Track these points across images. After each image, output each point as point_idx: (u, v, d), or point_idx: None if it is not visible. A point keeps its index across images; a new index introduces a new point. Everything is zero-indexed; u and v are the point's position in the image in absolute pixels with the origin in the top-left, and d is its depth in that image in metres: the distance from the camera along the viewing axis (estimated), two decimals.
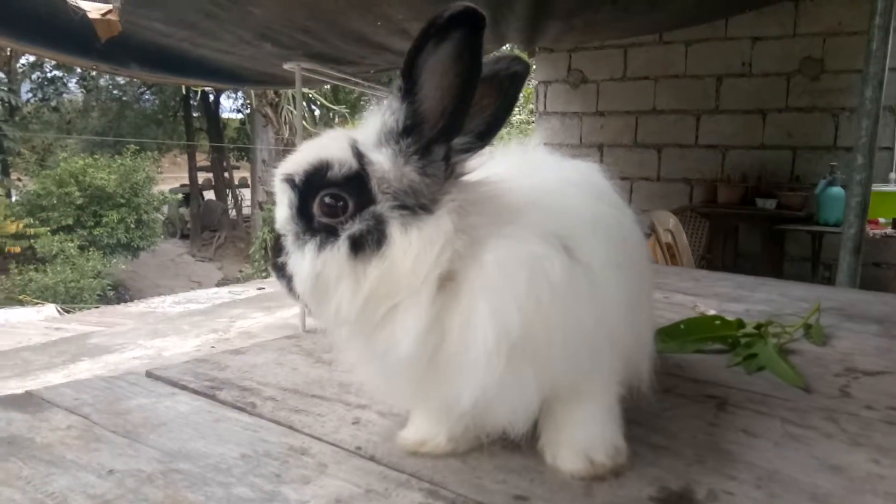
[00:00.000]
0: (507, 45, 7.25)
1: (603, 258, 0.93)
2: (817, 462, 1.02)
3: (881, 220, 5.97)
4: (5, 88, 21.09)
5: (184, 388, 1.29)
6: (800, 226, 6.55)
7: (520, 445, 1.00)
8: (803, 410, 1.21)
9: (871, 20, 3.76)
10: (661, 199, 7.51)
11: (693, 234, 7.03)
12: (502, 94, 0.94)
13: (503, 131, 0.97)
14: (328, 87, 15.60)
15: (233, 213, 25.88)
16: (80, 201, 17.65)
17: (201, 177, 25.93)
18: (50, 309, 11.10)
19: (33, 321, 9.45)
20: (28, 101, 24.60)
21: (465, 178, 0.92)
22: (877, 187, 5.06)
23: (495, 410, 0.92)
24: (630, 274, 1.00)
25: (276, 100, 15.57)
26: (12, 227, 16.30)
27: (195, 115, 26.84)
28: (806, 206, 6.62)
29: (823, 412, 1.21)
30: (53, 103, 24.98)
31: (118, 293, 17.74)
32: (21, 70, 23.21)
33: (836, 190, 6.25)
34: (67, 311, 11.63)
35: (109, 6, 4.08)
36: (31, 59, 21.52)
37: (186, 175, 25.75)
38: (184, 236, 24.77)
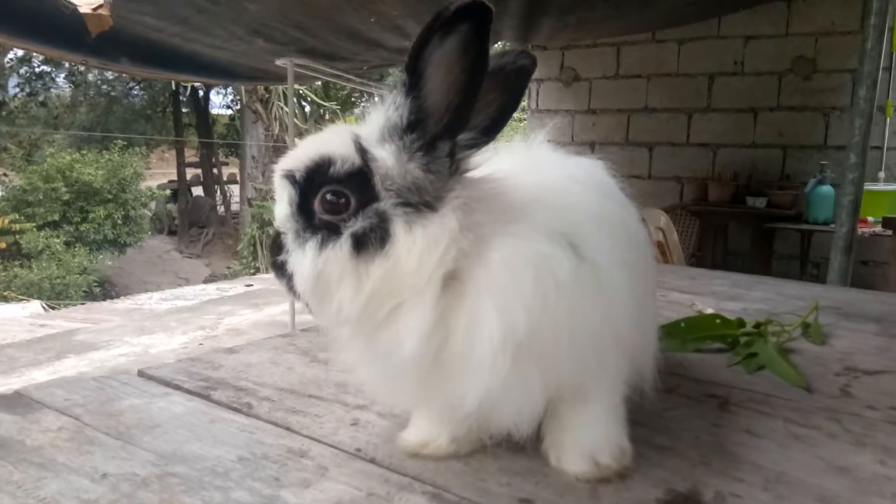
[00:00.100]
0: (500, 43, 7.24)
1: (609, 256, 0.91)
2: (823, 463, 1.01)
3: (870, 218, 6.00)
4: None
5: (177, 388, 1.26)
6: (789, 224, 6.57)
7: (523, 447, 0.98)
8: (806, 411, 1.20)
9: (866, 20, 3.77)
10: (652, 198, 7.52)
11: (683, 233, 7.04)
12: (508, 89, 0.92)
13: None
14: (319, 83, 15.52)
15: (221, 209, 25.70)
16: (66, 197, 17.47)
17: (190, 173, 25.71)
18: (35, 305, 10.99)
19: (18, 317, 9.35)
20: (15, 95, 24.32)
21: (470, 174, 0.90)
22: (866, 186, 5.07)
23: (500, 411, 0.90)
24: (636, 272, 0.99)
25: (267, 96, 15.49)
26: None
27: (184, 110, 26.61)
28: (796, 204, 6.65)
29: (826, 412, 1.20)
30: (41, 98, 24.71)
31: (104, 289, 17.59)
32: (9, 65, 22.95)
33: (826, 189, 6.29)
34: (53, 308, 11.51)
35: (100, 1, 4.03)
36: (20, 53, 21.31)
37: (174, 171, 25.52)
38: (171, 232, 24.57)
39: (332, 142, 0.89)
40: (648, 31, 7.47)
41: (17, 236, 16.45)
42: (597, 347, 0.90)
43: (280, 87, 14.16)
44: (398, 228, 0.84)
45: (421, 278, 0.84)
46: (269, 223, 15.54)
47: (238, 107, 22.16)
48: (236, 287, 11.02)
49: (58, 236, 16.81)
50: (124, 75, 20.30)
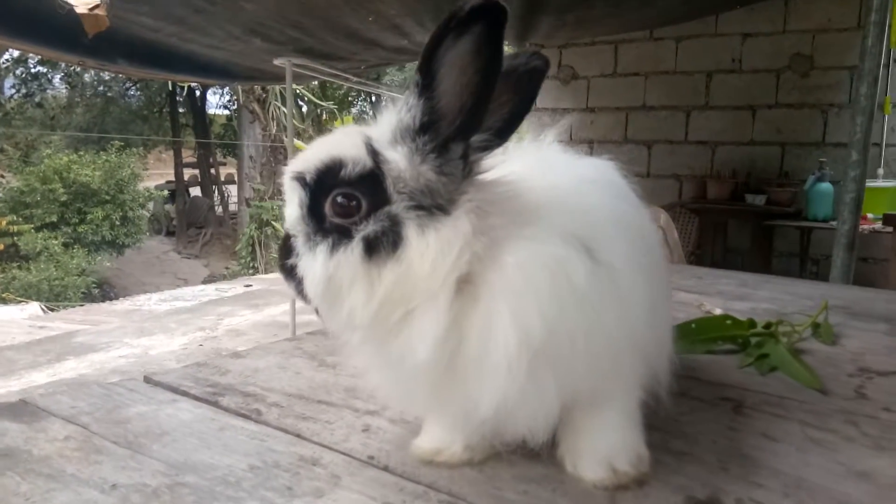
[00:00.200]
0: None
1: (625, 259, 0.89)
2: (843, 468, 0.99)
3: (869, 215, 6.00)
4: None
5: (184, 394, 1.24)
6: (788, 221, 6.57)
7: (538, 454, 0.96)
8: (821, 413, 1.19)
9: (866, 17, 3.75)
10: (651, 196, 7.47)
11: (682, 231, 7.04)
12: (520, 91, 0.91)
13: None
14: (316, 83, 15.49)
15: (219, 209, 25.67)
16: (64, 198, 17.42)
17: (187, 173, 25.67)
18: (34, 307, 10.96)
19: (17, 319, 9.32)
20: (11, 96, 24.25)
21: (482, 177, 0.88)
22: (866, 183, 5.08)
23: (515, 418, 0.89)
24: (651, 274, 0.97)
25: (264, 96, 15.44)
26: None
27: (181, 111, 26.58)
28: (795, 201, 6.65)
29: (842, 415, 1.18)
30: (37, 99, 24.64)
31: (103, 291, 17.55)
32: (5, 65, 22.89)
33: (825, 186, 6.29)
34: (52, 310, 11.48)
35: (97, 1, 4.00)
36: (16, 54, 21.21)
37: (172, 171, 25.50)
38: (169, 233, 24.54)
39: (342, 144, 0.87)
40: (646, 29, 7.45)
41: (15, 238, 16.41)
42: (613, 352, 0.89)
43: (277, 87, 14.12)
44: (411, 232, 0.83)
45: (434, 283, 0.82)
46: (268, 223, 15.53)
47: (235, 107, 22.12)
48: (235, 287, 11.01)
49: (56, 237, 16.77)
50: (121, 76, 20.24)
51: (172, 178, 25.37)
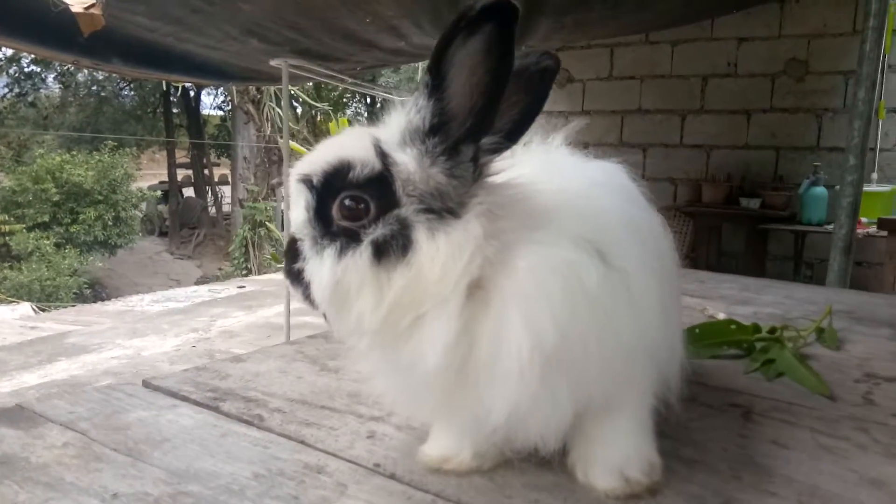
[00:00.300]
0: None
1: (637, 263, 0.88)
2: (856, 476, 0.98)
3: (863, 219, 6.02)
4: None
5: (185, 399, 1.22)
6: (783, 225, 6.59)
7: (548, 461, 0.94)
8: (831, 420, 1.18)
9: (865, 22, 3.76)
10: None
11: (677, 234, 7.04)
12: (531, 92, 0.89)
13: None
14: (310, 84, 15.45)
15: (212, 210, 25.59)
16: (56, 198, 17.32)
17: (181, 174, 25.58)
18: (25, 307, 10.87)
19: (8, 320, 9.25)
20: (4, 96, 24.12)
21: (491, 179, 0.87)
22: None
23: (527, 425, 0.87)
24: (663, 279, 0.96)
25: (258, 96, 15.40)
26: None
27: (175, 111, 26.48)
28: (789, 205, 6.67)
29: (852, 421, 1.17)
30: (30, 99, 24.51)
31: (95, 291, 17.45)
32: None
33: (820, 190, 6.31)
34: (43, 310, 11.40)
35: (93, 0, 3.97)
36: (9, 53, 21.08)
37: (165, 172, 25.39)
38: (162, 234, 24.43)
39: (351, 145, 0.86)
40: (643, 33, 7.46)
41: (7, 238, 16.30)
42: (626, 357, 0.87)
43: (272, 88, 14.08)
44: (420, 236, 0.81)
45: (445, 287, 0.81)
46: (261, 224, 15.48)
47: (229, 107, 22.05)
48: (228, 289, 10.95)
49: (48, 238, 16.67)
50: (114, 75, 20.15)
51: (166, 178, 25.27)
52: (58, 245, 16.89)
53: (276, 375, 1.35)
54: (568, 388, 0.84)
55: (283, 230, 13.03)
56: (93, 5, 3.93)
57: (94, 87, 24.63)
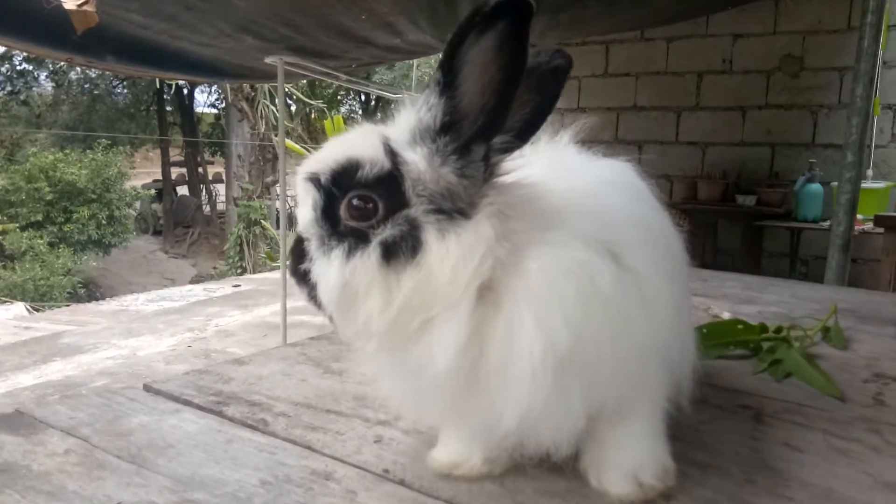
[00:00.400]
0: None
1: (650, 264, 0.87)
2: (871, 479, 0.97)
3: (859, 216, 6.02)
4: None
5: (187, 403, 1.20)
6: (778, 222, 6.59)
7: (559, 466, 0.93)
8: (842, 422, 1.16)
9: (862, 18, 3.75)
10: None
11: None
12: (543, 90, 0.87)
13: None
14: (304, 81, 15.40)
15: (207, 209, 25.50)
16: (49, 197, 17.22)
17: (174, 172, 25.48)
18: (19, 307, 10.80)
19: (1, 320, 9.18)
20: None
21: (501, 179, 0.85)
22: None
23: (539, 430, 0.85)
24: (675, 279, 0.94)
25: (252, 94, 15.32)
26: None
27: (168, 109, 26.38)
28: (785, 202, 6.67)
29: (864, 423, 1.16)
30: (23, 97, 24.36)
31: (89, 291, 17.37)
32: None
33: (815, 186, 6.31)
34: (37, 310, 11.33)
35: None
36: (1, 50, 20.95)
37: (159, 170, 25.29)
38: (156, 232, 24.34)
39: (359, 144, 0.84)
40: (638, 30, 7.45)
41: (0, 237, 16.20)
42: (640, 360, 0.86)
43: (266, 86, 14.02)
44: (430, 237, 0.79)
45: (455, 290, 0.79)
46: (256, 223, 15.42)
47: (223, 105, 21.96)
48: (224, 288, 10.89)
49: (41, 237, 16.57)
50: (107, 73, 20.05)
51: (160, 176, 25.18)
52: (51, 244, 16.79)
53: (280, 378, 1.33)
54: (581, 392, 0.83)
55: (278, 228, 12.98)
56: (86, 2, 3.89)
57: (87, 85, 24.50)
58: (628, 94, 7.88)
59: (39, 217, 17.15)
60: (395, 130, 0.84)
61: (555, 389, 0.80)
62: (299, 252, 0.86)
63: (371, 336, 0.85)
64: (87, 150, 19.30)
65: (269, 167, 16.10)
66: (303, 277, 0.85)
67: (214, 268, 19.48)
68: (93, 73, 22.65)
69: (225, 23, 4.96)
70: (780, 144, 7.14)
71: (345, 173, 0.82)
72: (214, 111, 27.37)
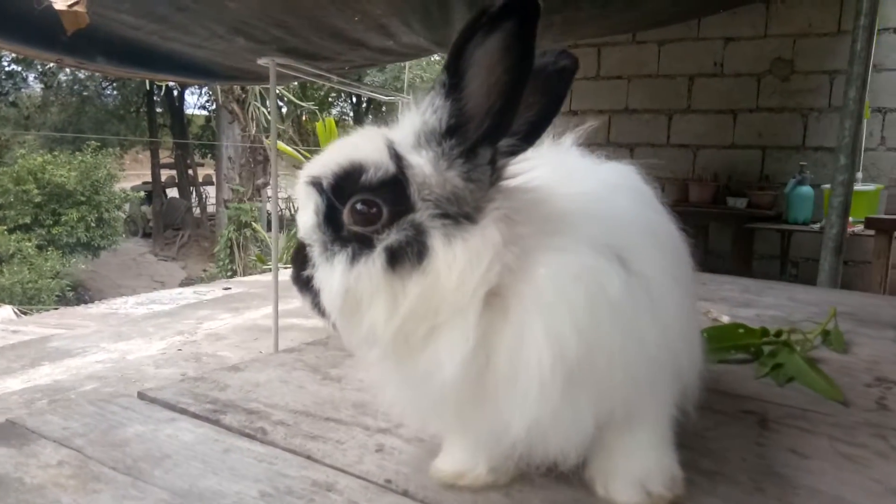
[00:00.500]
0: None
1: (658, 269, 0.85)
2: (881, 486, 0.95)
3: (849, 219, 6.05)
4: None
5: (183, 411, 1.18)
6: (769, 224, 6.62)
7: (566, 475, 0.91)
8: (847, 427, 1.15)
9: (855, 20, 3.76)
10: None
11: None
12: (549, 92, 0.86)
13: None
14: (296, 83, 15.35)
15: (197, 211, 25.37)
16: (38, 199, 17.08)
17: (164, 174, 25.34)
18: (7, 311, 10.70)
19: None
20: None
21: (507, 183, 0.83)
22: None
23: (546, 440, 0.84)
24: (683, 285, 0.93)
25: (243, 96, 15.26)
26: None
27: (158, 110, 26.24)
28: (775, 205, 6.70)
29: (868, 428, 1.15)
30: (11, 98, 24.16)
31: (78, 294, 17.23)
32: None
33: (806, 189, 6.34)
34: (25, 313, 11.23)
35: None
36: None
37: (149, 172, 25.15)
38: (146, 235, 24.18)
39: (363, 147, 0.82)
40: (631, 32, 7.47)
41: None
42: (651, 368, 0.84)
43: (257, 87, 13.96)
44: (437, 242, 0.77)
45: (462, 296, 0.77)
46: (247, 225, 15.36)
47: (213, 107, 21.86)
48: (214, 290, 10.82)
49: (29, 239, 16.43)
50: (97, 75, 19.92)
51: (149, 178, 25.03)
52: (40, 247, 16.65)
53: (277, 385, 1.31)
54: (590, 401, 0.81)
55: (268, 231, 12.93)
56: (77, 3, 3.85)
57: (77, 87, 24.33)
58: (620, 96, 7.90)
59: (28, 219, 17.01)
60: (399, 133, 0.83)
61: (564, 399, 0.78)
62: (301, 258, 0.84)
63: (375, 344, 0.83)
64: (77, 152, 19.15)
65: (260, 169, 16.03)
66: (305, 284, 0.83)
67: (204, 270, 19.37)
68: (82, 75, 22.51)
69: (217, 24, 4.93)
70: (770, 147, 7.17)
71: (348, 177, 0.80)
72: (205, 113, 27.24)
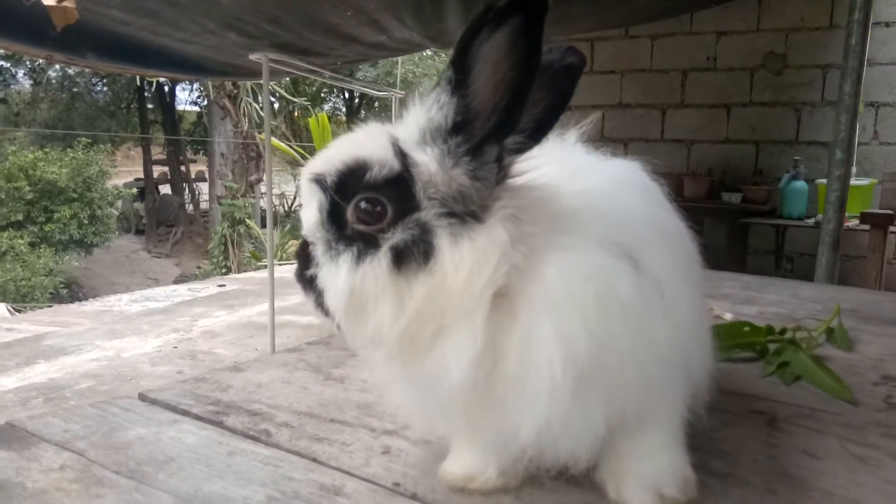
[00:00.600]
0: None
1: (669, 268, 0.84)
2: (895, 488, 0.94)
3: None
4: None
5: (185, 413, 1.16)
6: (763, 219, 6.63)
7: (576, 477, 0.90)
8: (857, 427, 1.15)
9: (850, 15, 3.76)
10: None
11: None
12: (555, 89, 0.84)
13: None
14: (288, 78, 15.28)
15: (190, 207, 25.25)
16: (30, 196, 16.97)
17: (157, 170, 25.20)
18: (0, 309, 10.63)
19: None
20: None
21: (513, 181, 0.82)
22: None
23: (557, 443, 0.82)
24: (693, 283, 0.92)
25: (235, 91, 15.18)
26: None
27: (150, 106, 26.07)
28: (770, 199, 6.71)
29: (879, 428, 1.14)
30: (1, 95, 23.97)
31: (71, 291, 17.14)
32: None
33: (800, 184, 6.35)
34: (18, 311, 11.15)
35: None
36: None
37: (141, 169, 25.01)
38: (139, 232, 24.06)
39: (367, 144, 0.80)
40: (624, 27, 7.46)
41: None
42: (662, 368, 0.83)
43: (249, 83, 13.89)
44: (443, 241, 0.76)
45: (470, 297, 0.76)
46: (240, 221, 15.30)
47: (205, 103, 21.73)
48: (208, 287, 10.77)
49: (22, 237, 16.32)
50: (87, 70, 19.78)
51: (141, 175, 24.89)
52: (32, 244, 16.55)
53: (280, 386, 1.29)
54: (601, 403, 0.80)
55: (262, 227, 12.88)
56: None
57: (66, 83, 24.15)
58: (613, 91, 7.90)
59: (20, 217, 16.89)
60: (404, 130, 0.81)
61: (574, 401, 0.77)
62: (305, 257, 0.82)
63: (381, 345, 0.81)
64: (68, 149, 19.02)
65: (253, 165, 15.96)
66: (309, 283, 0.81)
67: (199, 267, 19.30)
68: (72, 71, 22.34)
69: (208, 19, 4.89)
70: (764, 142, 7.18)
71: (352, 175, 0.78)
72: (196, 109, 27.07)
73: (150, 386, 1.24)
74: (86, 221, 17.68)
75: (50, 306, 11.79)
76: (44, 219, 17.19)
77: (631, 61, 7.72)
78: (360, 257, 0.77)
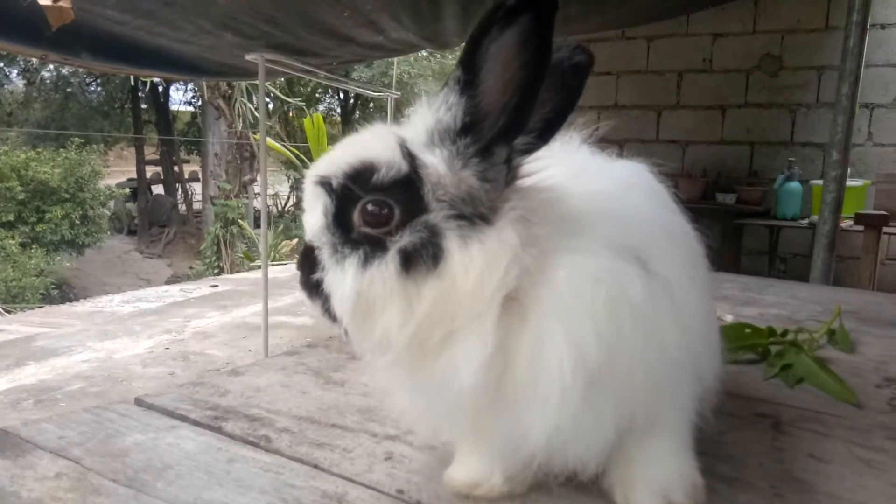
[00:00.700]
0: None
1: (679, 271, 0.83)
2: None
3: None
4: None
5: (183, 418, 1.14)
6: (758, 220, 6.65)
7: (584, 483, 0.88)
8: (862, 430, 1.14)
9: (848, 16, 3.76)
10: None
11: None
12: (564, 88, 0.83)
13: None
14: (283, 79, 15.24)
15: (182, 208, 25.16)
16: (21, 196, 16.87)
17: (149, 171, 25.10)
18: None
19: None
20: None
21: (521, 182, 0.80)
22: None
23: (566, 448, 0.81)
24: (702, 286, 0.91)
25: (229, 92, 15.14)
26: None
27: (143, 106, 25.96)
28: (764, 200, 6.72)
29: (883, 431, 1.13)
30: None
31: (63, 292, 17.05)
32: None
33: (794, 185, 6.36)
34: (9, 312, 11.09)
35: None
36: None
37: (134, 169, 24.89)
38: (131, 232, 23.96)
39: (374, 145, 0.79)
40: (621, 28, 7.47)
41: None
42: (673, 372, 0.82)
43: (244, 83, 13.85)
44: (452, 244, 0.75)
45: (480, 301, 0.74)
46: (233, 222, 15.25)
47: (199, 103, 21.66)
48: (201, 288, 10.72)
49: (13, 237, 16.22)
50: (81, 70, 19.69)
51: (134, 175, 24.78)
52: (23, 245, 16.45)
53: (279, 390, 1.27)
54: (612, 406, 0.79)
55: (255, 228, 12.84)
56: None
57: (60, 83, 24.02)
58: (609, 92, 7.90)
59: (11, 217, 16.79)
60: (412, 131, 0.79)
61: (585, 405, 0.76)
62: (310, 261, 0.80)
63: (389, 350, 0.80)
64: (60, 149, 18.92)
65: (247, 166, 15.92)
66: (314, 289, 0.80)
67: (191, 268, 19.23)
68: (65, 71, 22.23)
69: (204, 19, 4.86)
70: (759, 143, 7.20)
71: (358, 177, 0.77)
72: (190, 109, 26.98)
73: (143, 387, 1.22)
74: (77, 222, 17.59)
75: (41, 307, 11.73)
76: (35, 219, 17.10)
77: (627, 62, 7.72)
78: (367, 261, 0.76)
